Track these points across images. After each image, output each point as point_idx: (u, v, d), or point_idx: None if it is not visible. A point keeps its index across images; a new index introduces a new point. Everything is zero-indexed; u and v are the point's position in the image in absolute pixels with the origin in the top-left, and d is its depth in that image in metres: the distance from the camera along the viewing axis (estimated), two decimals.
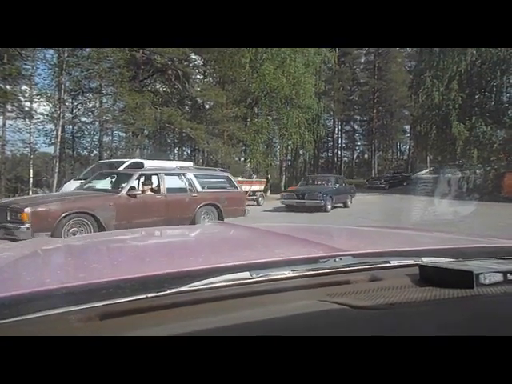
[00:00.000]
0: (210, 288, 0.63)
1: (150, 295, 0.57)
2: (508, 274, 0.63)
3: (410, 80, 28.69)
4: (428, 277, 0.68)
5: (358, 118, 41.05)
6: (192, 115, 21.31)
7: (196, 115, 21.35)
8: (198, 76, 24.25)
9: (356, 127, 41.58)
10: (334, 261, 0.74)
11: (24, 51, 14.71)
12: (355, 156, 42.93)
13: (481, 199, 15.03)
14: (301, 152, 29.38)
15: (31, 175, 14.94)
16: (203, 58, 22.61)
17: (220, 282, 0.64)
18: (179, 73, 19.59)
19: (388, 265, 0.78)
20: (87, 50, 15.35)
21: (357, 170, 41.19)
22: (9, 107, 14.84)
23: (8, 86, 14.49)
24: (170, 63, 19.89)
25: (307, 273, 0.71)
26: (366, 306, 0.55)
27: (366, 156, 42.07)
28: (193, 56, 22.46)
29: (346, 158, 42.13)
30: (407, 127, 38.55)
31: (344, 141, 41.39)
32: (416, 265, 0.73)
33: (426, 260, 0.78)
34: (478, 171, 19.02)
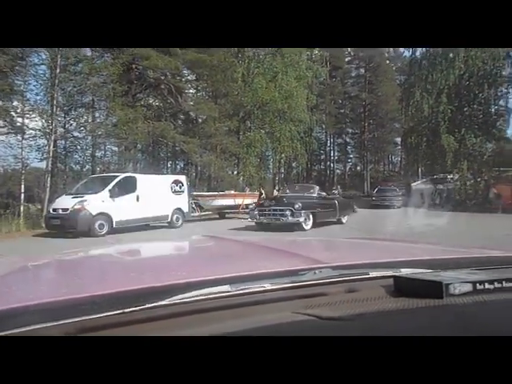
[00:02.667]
0: (189, 302, 0.64)
1: (126, 310, 0.58)
2: (477, 284, 0.65)
3: (400, 93, 29.13)
4: (401, 288, 0.70)
5: (350, 130, 41.50)
6: (185, 129, 21.37)
7: (189, 129, 21.42)
8: (191, 90, 24.42)
9: (348, 140, 41.98)
10: (314, 273, 0.76)
11: (17, 67, 14.74)
12: (347, 168, 43.23)
13: (471, 210, 15.17)
14: (294, 165, 29.54)
15: (22, 190, 14.81)
16: (195, 73, 22.78)
17: (199, 295, 0.65)
18: (172, 87, 19.70)
19: (366, 276, 0.80)
20: (79, 65, 15.42)
21: (349, 182, 41.41)
22: (0, 123, 14.78)
23: (0, 102, 14.47)
24: (162, 78, 20.01)
25: (286, 285, 0.73)
26: (334, 317, 0.56)
27: (358, 168, 42.37)
28: (185, 71, 22.64)
29: (338, 171, 42.40)
30: (398, 139, 38.97)
31: (336, 153, 41.76)
32: (392, 276, 0.75)
33: (402, 271, 0.80)
34: (468, 182, 19.24)
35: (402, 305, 0.62)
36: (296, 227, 9.82)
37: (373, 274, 0.81)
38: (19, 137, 14.96)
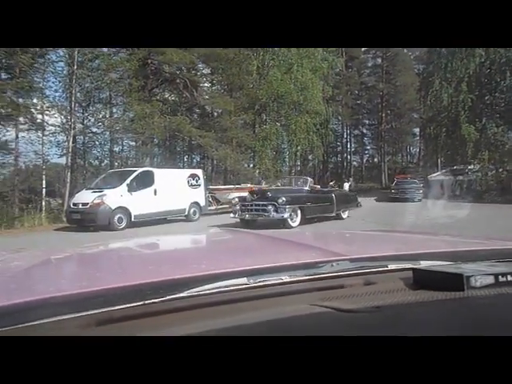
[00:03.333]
0: (207, 294, 0.65)
1: (147, 302, 0.59)
2: (499, 276, 0.64)
3: (419, 83, 28.52)
4: (421, 280, 0.69)
5: (367, 121, 40.94)
6: (200, 123, 21.45)
7: (204, 123, 21.50)
8: (206, 84, 24.44)
9: (365, 131, 41.45)
10: (331, 265, 0.76)
11: (36, 64, 15.02)
12: (365, 160, 42.73)
13: (493, 201, 14.83)
14: (310, 157, 29.35)
15: (44, 186, 15.16)
16: (211, 67, 22.79)
17: (217, 288, 0.66)
18: (187, 81, 19.77)
19: (384, 269, 0.79)
20: (96, 61, 15.61)
21: (367, 174, 40.95)
22: (21, 119, 15.11)
23: (20, 99, 14.78)
24: (178, 72, 20.10)
25: (304, 278, 0.73)
26: (353, 310, 0.56)
27: (375, 160, 41.83)
28: (200, 65, 22.66)
29: (355, 163, 41.95)
30: (417, 130, 38.32)
31: (353, 145, 41.27)
32: (411, 269, 0.74)
33: (422, 263, 0.79)
34: (489, 173, 18.79)
35: (421, 297, 0.61)
36: (281, 224, 8.85)
37: (391, 266, 0.80)
38: (39, 133, 15.31)
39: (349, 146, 40.60)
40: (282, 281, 0.71)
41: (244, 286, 0.68)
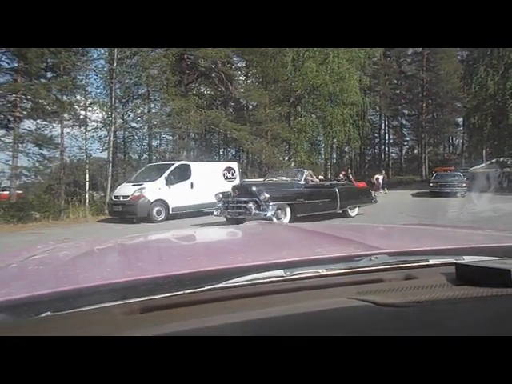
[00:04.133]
0: (245, 285, 0.66)
1: (187, 291, 0.61)
2: None
3: (462, 70, 27.19)
4: (464, 275, 0.66)
5: (406, 112, 39.54)
6: (236, 116, 21.56)
7: (240, 116, 21.59)
8: (241, 77, 24.52)
9: (404, 122, 40.08)
10: (369, 259, 0.75)
11: (78, 63, 15.62)
12: (404, 152, 41.39)
13: None
14: (346, 149, 28.86)
15: (87, 179, 15.84)
16: (246, 60, 22.81)
17: (254, 279, 0.67)
18: (222, 75, 19.91)
19: (424, 263, 0.77)
20: (135, 58, 16.02)
21: (406, 167, 39.71)
22: (66, 116, 15.82)
23: (64, 97, 15.47)
24: (213, 66, 20.27)
25: (341, 271, 0.72)
26: (392, 304, 0.55)
27: (415, 151, 40.44)
28: (235, 58, 22.74)
29: (393, 154, 40.74)
30: (460, 120, 36.63)
31: (391, 136, 40.05)
32: (453, 263, 0.72)
33: (465, 258, 0.77)
34: None
35: (465, 293, 0.59)
36: None
37: (433, 261, 0.78)
38: (83, 128, 15.97)
39: (387, 138, 39.47)
40: (318, 274, 0.71)
41: (280, 279, 0.68)
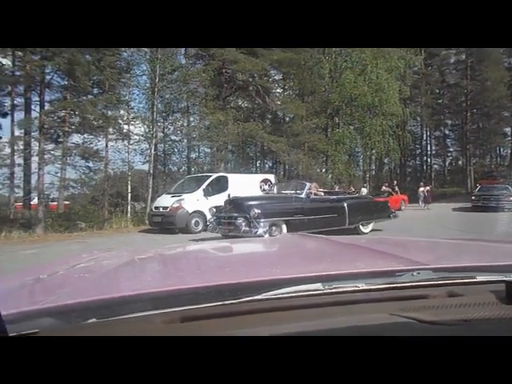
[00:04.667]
0: (283, 298, 0.65)
1: (226, 302, 0.61)
2: None
3: (510, 78, 25.96)
4: None
5: (449, 122, 38.13)
6: (273, 128, 21.68)
7: (276, 128, 21.69)
8: (278, 90, 24.68)
9: (447, 132, 38.64)
10: (412, 275, 0.72)
11: (123, 79, 16.37)
12: (447, 163, 39.83)
13: None
14: (385, 161, 28.18)
15: (129, 191, 16.43)
16: (282, 72, 22.98)
17: (292, 292, 0.66)
18: (260, 88, 20.15)
19: (471, 280, 0.73)
20: (176, 73, 16.58)
21: (450, 179, 38.14)
22: (110, 130, 16.57)
23: (109, 112, 16.23)
24: (250, 79, 20.57)
25: (381, 286, 0.70)
26: (438, 322, 0.53)
27: (459, 163, 38.80)
28: (272, 71, 22.97)
29: (436, 166, 39.28)
30: (508, 130, 34.86)
31: (434, 147, 38.70)
32: (503, 281, 0.68)
33: None
34: None
35: None
36: None
37: (480, 278, 0.74)
38: (126, 142, 16.64)
39: (429, 149, 38.17)
40: (358, 288, 0.69)
41: (318, 292, 0.67)
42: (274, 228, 7.36)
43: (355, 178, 22.49)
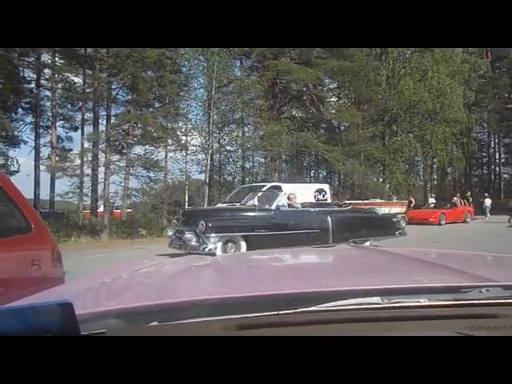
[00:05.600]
0: (339, 310, 0.64)
1: (281, 312, 0.61)
2: None
3: None
4: None
5: None
6: (327, 138, 21.44)
7: (331, 137, 21.42)
8: (333, 99, 24.41)
9: None
10: (480, 291, 0.67)
11: (181, 92, 17.10)
12: None
13: None
14: (449, 170, 26.67)
15: (186, 199, 17.02)
16: (337, 81, 22.73)
17: (349, 305, 0.65)
18: (314, 97, 20.07)
19: None
20: (231, 85, 17.01)
21: None
22: (169, 141, 17.35)
23: (169, 124, 17.01)
24: (304, 89, 20.57)
25: (446, 302, 0.66)
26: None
27: None
28: (327, 80, 22.80)
29: (506, 175, 36.46)
30: None
31: (503, 155, 36.00)
32: None
33: None
34: None
35: None
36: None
37: None
38: (183, 152, 17.31)
39: (497, 157, 35.56)
40: (419, 304, 0.66)
41: (377, 306, 0.65)
42: (230, 245, 6.47)
43: (414, 188, 21.51)
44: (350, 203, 8.96)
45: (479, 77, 27.10)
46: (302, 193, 12.69)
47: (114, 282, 1.02)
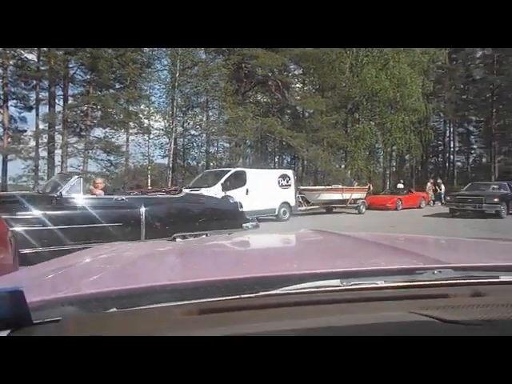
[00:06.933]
0: (300, 293, 0.65)
1: (243, 296, 0.61)
2: None
3: None
4: None
5: (474, 118, 37.10)
6: (292, 124, 21.60)
7: (295, 123, 21.60)
8: (298, 85, 24.52)
9: (471, 129, 37.62)
10: (433, 273, 0.71)
11: (143, 74, 16.58)
12: (471, 160, 38.82)
13: None
14: (407, 157, 27.69)
15: (149, 184, 16.67)
16: (302, 67, 22.82)
17: (310, 287, 0.66)
18: (279, 83, 20.09)
19: (495, 280, 0.72)
20: (196, 68, 16.68)
21: (474, 176, 37.20)
22: (131, 124, 16.84)
23: (130, 107, 16.48)
24: (270, 74, 20.51)
25: (401, 284, 0.69)
26: (460, 321, 0.51)
27: (483, 160, 37.76)
28: (292, 66, 22.83)
29: (459, 163, 38.34)
30: None
31: (457, 144, 37.75)
32: None
33: None
34: None
35: None
36: None
37: (504, 277, 0.72)
38: (146, 136, 16.88)
39: (452, 145, 37.26)
40: (377, 286, 0.68)
41: (336, 288, 0.67)
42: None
43: (374, 175, 22.20)
44: (181, 190, 6.97)
45: (437, 68, 28.10)
46: (266, 178, 12.79)
47: (71, 268, 0.99)
